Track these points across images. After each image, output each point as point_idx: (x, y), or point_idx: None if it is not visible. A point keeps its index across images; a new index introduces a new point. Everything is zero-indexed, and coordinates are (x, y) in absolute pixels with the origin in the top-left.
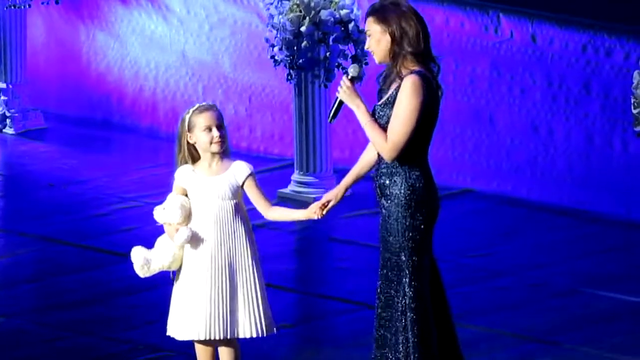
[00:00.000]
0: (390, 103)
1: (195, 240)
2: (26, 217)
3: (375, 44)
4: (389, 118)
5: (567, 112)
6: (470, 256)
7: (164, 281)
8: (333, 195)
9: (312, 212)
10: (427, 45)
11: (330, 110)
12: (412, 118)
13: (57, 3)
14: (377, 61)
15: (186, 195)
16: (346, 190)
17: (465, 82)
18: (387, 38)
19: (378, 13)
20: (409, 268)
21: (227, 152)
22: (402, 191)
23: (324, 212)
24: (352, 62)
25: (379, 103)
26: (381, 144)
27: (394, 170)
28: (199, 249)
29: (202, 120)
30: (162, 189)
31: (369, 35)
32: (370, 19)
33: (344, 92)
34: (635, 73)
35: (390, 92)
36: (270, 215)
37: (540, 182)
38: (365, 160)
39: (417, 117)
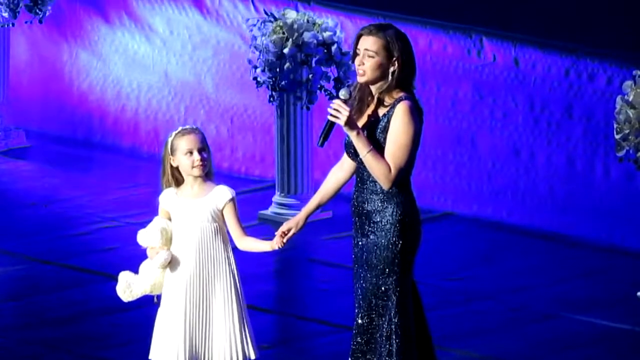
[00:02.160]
0: (380, 130)
1: (175, 263)
2: (7, 236)
3: (376, 67)
4: (380, 145)
5: (549, 135)
6: (450, 279)
7: (144, 301)
8: (294, 223)
9: (274, 243)
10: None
11: (321, 134)
12: (412, 144)
13: (41, 22)
14: (363, 80)
15: (170, 219)
16: (307, 218)
17: (447, 105)
18: (391, 66)
19: (389, 36)
20: (396, 294)
21: (210, 174)
22: (394, 218)
23: (285, 241)
24: (335, 84)
25: (368, 128)
26: (385, 173)
27: (383, 197)
28: (179, 272)
29: (184, 144)
30: (142, 209)
31: (370, 56)
32: (378, 40)
33: (345, 117)
34: (618, 98)
35: (377, 118)
36: (241, 245)
37: (522, 205)
38: (328, 187)
39: (416, 143)
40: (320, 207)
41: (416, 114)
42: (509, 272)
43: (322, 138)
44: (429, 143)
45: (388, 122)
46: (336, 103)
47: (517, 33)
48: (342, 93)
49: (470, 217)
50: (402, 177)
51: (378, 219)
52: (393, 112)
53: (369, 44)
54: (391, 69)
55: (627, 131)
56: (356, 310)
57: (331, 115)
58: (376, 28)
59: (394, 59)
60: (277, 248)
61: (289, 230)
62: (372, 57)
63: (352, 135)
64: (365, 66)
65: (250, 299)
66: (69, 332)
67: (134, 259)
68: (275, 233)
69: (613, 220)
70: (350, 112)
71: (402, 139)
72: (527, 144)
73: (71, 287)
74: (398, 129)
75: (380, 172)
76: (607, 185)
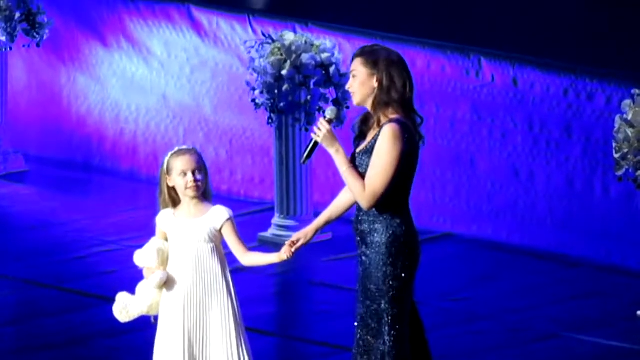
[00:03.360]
0: (369, 151)
1: (172, 283)
2: (6, 259)
3: (359, 86)
4: (368, 166)
5: (548, 155)
6: (450, 300)
7: (143, 324)
8: (303, 234)
9: (283, 254)
10: (411, 96)
11: (304, 151)
12: (391, 167)
13: (39, 46)
14: (355, 102)
15: (167, 239)
16: (316, 231)
17: (446, 126)
18: (373, 83)
19: (368, 55)
20: (389, 316)
21: (207, 195)
22: (384, 239)
23: (293, 251)
24: (333, 106)
25: (358, 150)
26: (359, 192)
27: (375, 218)
28: (176, 292)
29: (179, 164)
30: (141, 231)
31: (354, 76)
32: (359, 60)
33: (324, 135)
34: (617, 117)
35: (368, 139)
36: (245, 260)
37: (521, 225)
38: (338, 204)
39: (397, 166)
40: (329, 222)
41: (403, 135)
42: (509, 292)
43: (304, 156)
44: (428, 164)
45: (375, 142)
46: (319, 121)
47: (515, 53)
48: (328, 112)
49: (470, 238)
50: (392, 200)
51: (369, 241)
52: (379, 133)
53: (353, 64)
54: (374, 85)
55: (626, 150)
56: (355, 331)
57: (314, 133)
58: (362, 48)
59: (375, 75)
60: (285, 258)
61: (297, 241)
62: (355, 76)
63: (332, 153)
64: (353, 87)
65: (250, 322)
66: (68, 356)
67: (134, 281)
68: (285, 243)
69: (613, 240)
70: (330, 130)
71: (380, 161)
72: (526, 164)
73: (70, 310)
74: (378, 151)
75: (355, 190)
76: (606, 205)
